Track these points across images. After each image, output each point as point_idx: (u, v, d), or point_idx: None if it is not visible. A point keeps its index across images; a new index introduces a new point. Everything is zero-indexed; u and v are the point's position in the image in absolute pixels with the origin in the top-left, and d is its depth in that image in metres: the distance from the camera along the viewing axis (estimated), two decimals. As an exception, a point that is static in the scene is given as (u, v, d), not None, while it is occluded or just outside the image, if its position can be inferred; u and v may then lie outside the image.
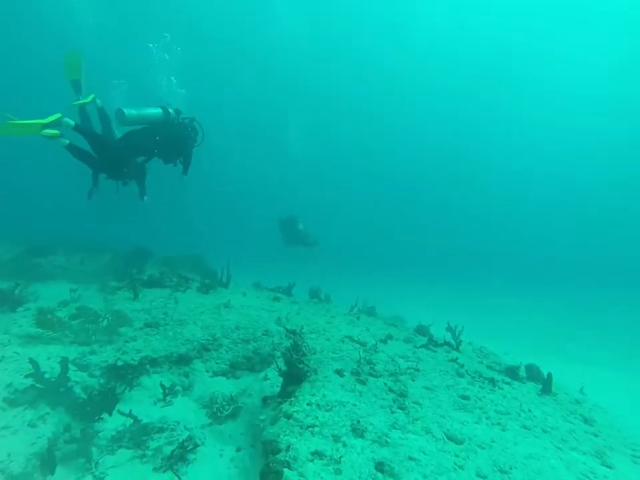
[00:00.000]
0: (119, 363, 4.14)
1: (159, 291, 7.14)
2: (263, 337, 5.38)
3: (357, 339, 5.30)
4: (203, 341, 5.20)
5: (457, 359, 5.07)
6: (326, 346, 4.98)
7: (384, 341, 5.47)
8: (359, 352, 4.62)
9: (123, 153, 5.54)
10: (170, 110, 5.97)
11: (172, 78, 7.80)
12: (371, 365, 4.34)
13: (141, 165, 6.36)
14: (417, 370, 4.45)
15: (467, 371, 4.70)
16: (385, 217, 39.66)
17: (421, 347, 5.54)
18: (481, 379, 4.53)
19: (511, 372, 4.92)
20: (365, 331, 5.92)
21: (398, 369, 4.31)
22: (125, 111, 5.42)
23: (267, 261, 17.29)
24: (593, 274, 26.94)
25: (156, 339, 5.05)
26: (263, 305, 6.77)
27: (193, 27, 28.39)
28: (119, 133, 5.77)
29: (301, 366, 4.02)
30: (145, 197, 6.82)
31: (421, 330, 6.67)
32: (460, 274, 24.48)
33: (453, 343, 5.88)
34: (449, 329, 7.64)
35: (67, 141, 4.91)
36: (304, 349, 4.08)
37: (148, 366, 4.61)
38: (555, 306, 17.37)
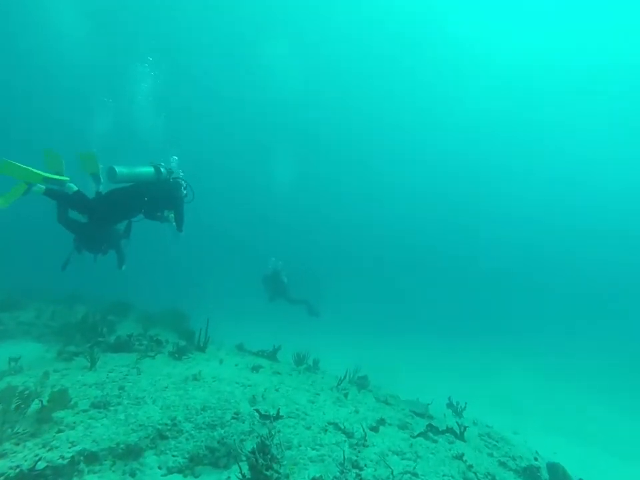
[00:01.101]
0: (39, 466, 3.25)
1: (124, 357, 6.28)
2: (232, 421, 4.48)
3: (342, 426, 4.41)
4: (160, 426, 4.30)
5: (462, 455, 4.17)
6: (304, 437, 4.09)
7: (375, 429, 4.57)
8: (344, 449, 3.75)
9: (107, 212, 5.46)
10: (162, 169, 5.85)
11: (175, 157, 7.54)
12: (358, 470, 3.46)
13: (118, 233, 6.67)
14: (415, 476, 3.57)
15: (476, 474, 3.81)
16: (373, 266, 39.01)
17: (418, 435, 4.64)
18: (495, 488, 3.65)
19: (531, 474, 4.01)
20: (354, 414, 5.02)
21: (391, 475, 3.43)
22: (116, 168, 5.29)
23: (254, 317, 16.36)
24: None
25: (101, 425, 4.15)
26: (239, 377, 5.88)
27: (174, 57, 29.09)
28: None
29: (268, 473, 3.16)
30: (124, 266, 7.17)
31: (419, 409, 5.76)
32: (449, 328, 23.44)
33: (457, 429, 4.97)
34: (450, 405, 6.72)
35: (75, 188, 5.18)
36: (273, 450, 3.24)
37: (82, 464, 3.70)
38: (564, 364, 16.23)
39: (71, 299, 11.71)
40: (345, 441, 4.09)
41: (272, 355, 8.53)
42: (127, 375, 5.40)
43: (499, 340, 20.94)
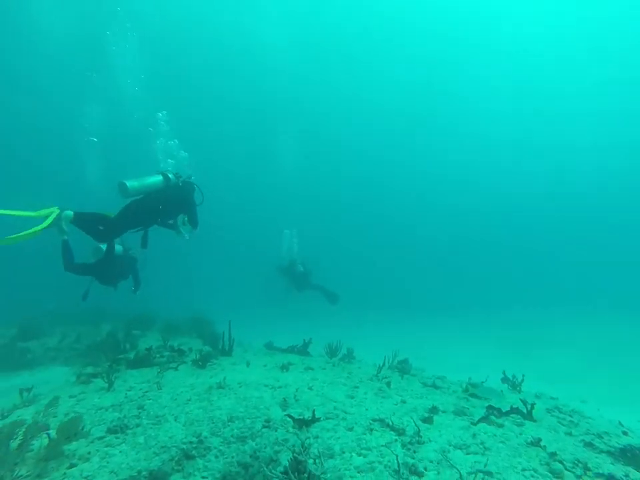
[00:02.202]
0: (43, 515, 2.76)
1: (145, 372, 5.82)
2: (264, 430, 3.89)
3: (390, 422, 3.74)
4: (184, 445, 3.76)
5: (539, 440, 3.44)
6: (347, 441, 3.45)
7: (428, 420, 3.88)
8: (396, 451, 3.10)
9: (125, 223, 5.56)
10: (170, 175, 5.84)
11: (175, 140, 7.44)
12: (417, 477, 2.80)
13: (132, 259, 7.09)
14: (489, 475, 2.88)
15: (563, 463, 3.08)
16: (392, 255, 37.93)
17: (480, 421, 3.93)
18: (593, 478, 2.91)
19: (634, 457, 3.22)
20: (400, 405, 4.34)
21: (460, 478, 2.76)
22: (127, 183, 5.29)
23: (281, 315, 15.86)
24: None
25: (120, 452, 3.64)
26: (268, 378, 5.30)
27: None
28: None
29: (307, 496, 2.54)
30: (138, 292, 7.54)
31: (473, 389, 5.02)
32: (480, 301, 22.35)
33: (523, 408, 4.22)
34: (505, 380, 5.95)
35: (71, 213, 5.17)
36: (311, 465, 2.62)
37: (100, 501, 3.20)
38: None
39: (96, 319, 11.52)
40: (396, 440, 3.43)
41: (303, 350, 7.95)
42: (147, 391, 4.91)
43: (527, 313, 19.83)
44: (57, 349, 9.07)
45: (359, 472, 2.93)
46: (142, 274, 7.68)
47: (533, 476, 2.91)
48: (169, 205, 5.87)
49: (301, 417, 3.89)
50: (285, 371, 5.72)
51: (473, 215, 41.72)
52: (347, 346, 7.51)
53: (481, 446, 3.40)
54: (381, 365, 5.84)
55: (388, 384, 5.01)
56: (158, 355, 6.50)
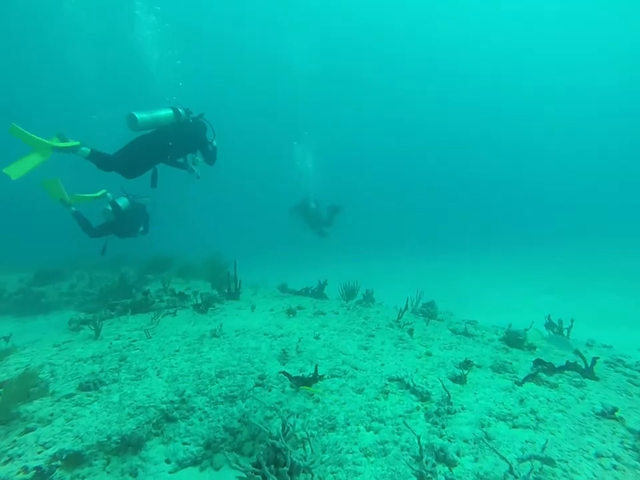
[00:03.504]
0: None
1: (140, 319, 5.26)
2: (256, 389, 3.19)
3: (411, 383, 2.92)
4: (164, 405, 3.14)
5: (614, 410, 2.52)
6: (354, 409, 2.67)
7: (460, 379, 3.03)
8: (418, 425, 2.28)
9: (136, 162, 5.37)
10: (180, 110, 5.49)
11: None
12: (447, 467, 1.99)
13: (145, 211, 7.08)
14: (550, 463, 2.02)
15: (653, 447, 2.18)
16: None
17: (526, 379, 3.05)
18: None
19: None
20: (425, 359, 3.50)
21: (509, 473, 1.92)
22: (137, 115, 4.97)
23: (300, 255, 15.21)
24: None
25: (89, 413, 3.07)
26: (270, 325, 4.58)
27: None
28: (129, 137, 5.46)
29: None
30: (147, 233, 7.37)
31: (513, 338, 4.09)
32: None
33: (581, 362, 3.27)
34: (550, 325, 4.98)
35: (88, 150, 4.98)
36: (292, 457, 1.83)
37: (60, 472, 2.65)
38: None
39: (116, 263, 11.27)
40: (418, 408, 2.60)
41: (318, 292, 7.22)
42: (134, 340, 4.32)
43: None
44: (70, 294, 8.82)
45: (365, 455, 2.14)
46: (153, 216, 7.44)
47: (615, 467, 2.02)
48: (180, 141, 5.54)
49: (301, 374, 3.14)
50: (291, 316, 4.98)
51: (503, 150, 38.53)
52: (366, 287, 6.69)
53: (532, 416, 2.52)
54: (403, 308, 4.96)
55: (410, 331, 4.16)
56: (157, 300, 5.93)
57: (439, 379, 2.95)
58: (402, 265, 15.60)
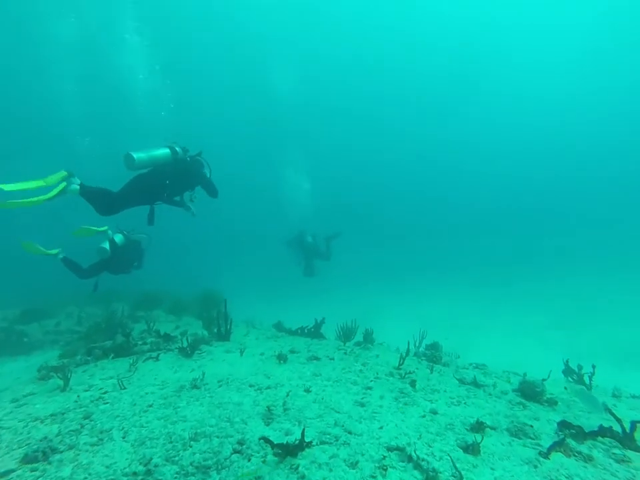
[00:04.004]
0: None
1: (120, 364, 4.80)
2: (234, 457, 2.72)
3: (413, 454, 2.44)
4: (125, 479, 2.66)
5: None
6: (347, 490, 2.20)
7: (472, 448, 2.55)
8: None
9: (133, 198, 5.29)
10: (177, 148, 5.46)
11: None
12: None
13: (140, 247, 7.12)
14: None
15: None
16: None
17: (552, 448, 2.56)
18: None
19: None
20: (430, 419, 3.02)
21: None
22: (134, 155, 4.92)
23: (294, 293, 14.73)
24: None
25: (32, 493, 2.59)
26: (257, 374, 4.10)
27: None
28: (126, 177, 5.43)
29: None
30: (141, 268, 7.38)
31: (529, 390, 3.60)
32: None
33: (618, 427, 2.77)
34: (567, 371, 4.48)
35: (78, 186, 4.82)
36: None
37: None
38: None
39: (108, 298, 10.85)
40: (423, 489, 2.13)
41: (314, 332, 6.73)
42: (106, 392, 3.85)
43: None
44: (56, 332, 8.37)
45: None
46: (148, 252, 7.45)
47: None
48: (176, 179, 5.51)
49: (286, 440, 2.66)
50: (282, 362, 4.51)
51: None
52: (365, 326, 6.23)
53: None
54: (404, 353, 4.49)
55: (412, 383, 3.67)
56: (140, 342, 5.48)
57: (446, 451, 2.47)
58: (401, 296, 15.05)
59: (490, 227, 34.81)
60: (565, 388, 3.90)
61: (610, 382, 4.65)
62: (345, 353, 4.91)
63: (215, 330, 6.11)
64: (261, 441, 2.72)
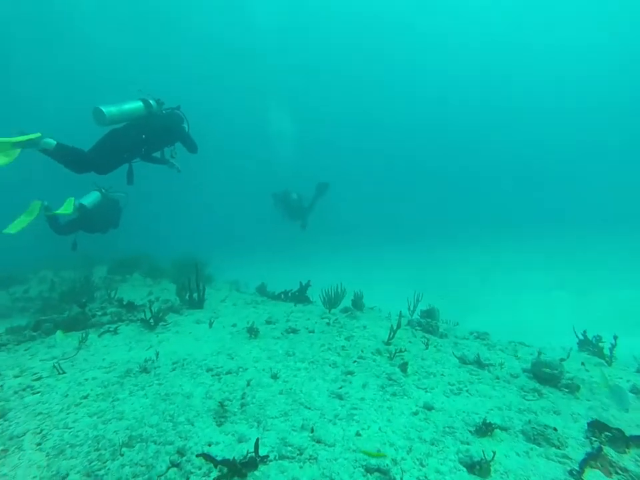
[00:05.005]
0: None
1: (71, 340, 4.13)
2: (170, 473, 2.08)
3: (400, 476, 1.78)
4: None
5: None
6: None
7: (480, 468, 1.89)
8: None
9: (108, 158, 4.84)
10: (151, 101, 5.11)
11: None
12: None
13: (118, 208, 6.84)
14: None
15: None
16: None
17: (586, 463, 1.90)
18: None
19: None
20: (423, 418, 2.36)
21: None
22: (103, 109, 4.53)
23: (283, 250, 14.04)
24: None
25: None
26: (220, 353, 3.42)
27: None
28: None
29: None
30: (117, 228, 7.05)
31: (546, 372, 2.93)
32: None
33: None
34: (585, 343, 3.83)
35: (54, 142, 4.30)
36: None
37: None
38: None
39: (85, 262, 10.14)
40: None
41: (299, 296, 6.06)
42: (40, 377, 3.20)
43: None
44: (26, 299, 7.71)
45: None
46: (126, 210, 7.08)
47: None
48: (153, 134, 5.16)
49: (233, 457, 1.99)
50: (253, 337, 3.82)
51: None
52: (357, 287, 5.53)
53: None
54: (396, 324, 3.79)
55: (403, 366, 2.98)
56: (99, 313, 4.79)
57: (445, 472, 1.80)
58: (398, 256, 14.40)
59: (489, 184, 33.53)
60: (582, 364, 3.25)
61: (626, 352, 4.03)
62: (328, 324, 4.22)
63: (187, 297, 5.41)
64: (217, 437, 2.06)
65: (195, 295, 5.37)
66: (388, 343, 3.60)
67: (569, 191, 29.82)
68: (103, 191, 6.53)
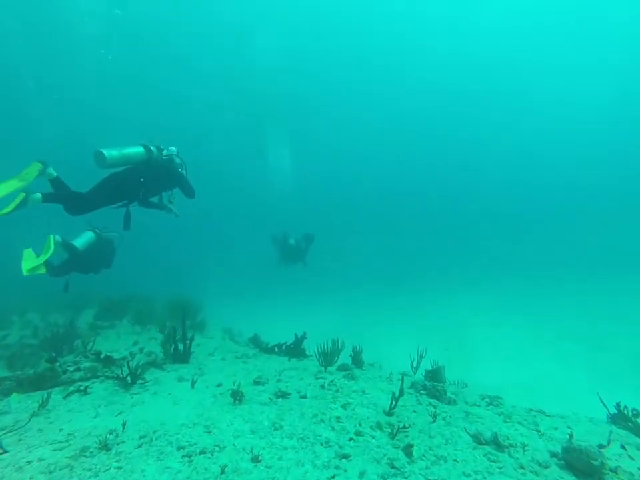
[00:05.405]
0: None
1: (28, 403, 3.62)
2: None
3: None
4: None
5: None
6: None
7: None
8: None
9: (104, 197, 4.83)
10: (152, 147, 5.21)
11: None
12: None
13: (112, 248, 6.63)
14: None
15: None
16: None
17: None
18: None
19: None
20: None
21: None
22: (104, 152, 4.56)
23: (278, 294, 13.58)
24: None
25: None
26: (196, 424, 2.94)
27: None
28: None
29: None
30: (109, 268, 6.75)
31: (579, 461, 2.43)
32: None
33: None
34: (618, 417, 3.35)
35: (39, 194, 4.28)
36: None
37: None
38: None
39: (75, 304, 9.72)
40: None
41: (294, 349, 5.59)
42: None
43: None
44: (4, 346, 7.19)
45: None
46: (119, 251, 6.89)
47: None
48: (151, 178, 5.18)
49: None
50: (237, 402, 3.35)
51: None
52: (352, 345, 5.07)
53: None
54: (398, 392, 3.32)
55: (408, 448, 2.50)
56: (72, 368, 4.32)
57: None
58: (395, 302, 13.85)
59: (496, 229, 33.17)
60: (623, 448, 2.75)
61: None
62: (323, 387, 3.74)
63: (172, 349, 4.96)
64: None
65: (181, 346, 4.92)
66: (390, 413, 3.12)
67: (570, 231, 29.50)
68: (97, 231, 6.42)
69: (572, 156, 36.47)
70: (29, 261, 4.82)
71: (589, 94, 33.07)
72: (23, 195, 4.15)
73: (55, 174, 4.50)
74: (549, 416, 3.39)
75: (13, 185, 4.08)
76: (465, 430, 2.87)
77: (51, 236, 5.46)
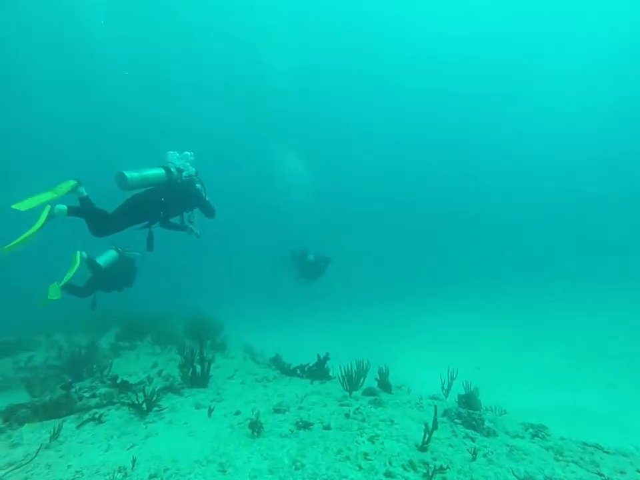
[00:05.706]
0: None
1: (41, 434, 3.49)
2: None
3: None
4: None
5: None
6: None
7: None
8: None
9: (127, 218, 4.88)
10: (172, 169, 5.28)
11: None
12: None
13: (134, 267, 6.85)
14: None
15: None
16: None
17: None
18: None
19: None
20: None
21: None
22: (126, 174, 4.67)
23: (299, 311, 13.30)
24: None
25: None
26: (210, 461, 2.70)
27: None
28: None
29: None
30: (131, 287, 6.95)
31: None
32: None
33: None
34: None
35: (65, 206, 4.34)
36: None
37: None
38: None
39: (100, 323, 9.80)
40: None
41: (317, 371, 5.30)
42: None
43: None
44: (29, 368, 7.23)
45: None
46: (140, 271, 7.09)
47: None
48: (172, 200, 5.25)
49: None
50: (255, 434, 3.09)
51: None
52: (378, 366, 4.73)
53: None
54: (431, 423, 2.97)
55: (448, 493, 2.18)
56: (88, 394, 4.19)
57: None
58: (414, 312, 13.32)
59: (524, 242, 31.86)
60: None
61: None
62: (347, 415, 3.43)
63: (190, 373, 4.77)
64: None
65: (199, 370, 4.73)
66: (423, 449, 2.78)
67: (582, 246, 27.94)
68: (120, 249, 6.61)
69: (570, 160, 35.19)
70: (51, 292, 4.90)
71: (589, 96, 32.01)
72: (48, 207, 4.26)
73: (85, 193, 4.62)
74: (607, 453, 2.94)
75: (46, 197, 4.21)
76: (512, 472, 2.49)
77: (77, 252, 5.56)
